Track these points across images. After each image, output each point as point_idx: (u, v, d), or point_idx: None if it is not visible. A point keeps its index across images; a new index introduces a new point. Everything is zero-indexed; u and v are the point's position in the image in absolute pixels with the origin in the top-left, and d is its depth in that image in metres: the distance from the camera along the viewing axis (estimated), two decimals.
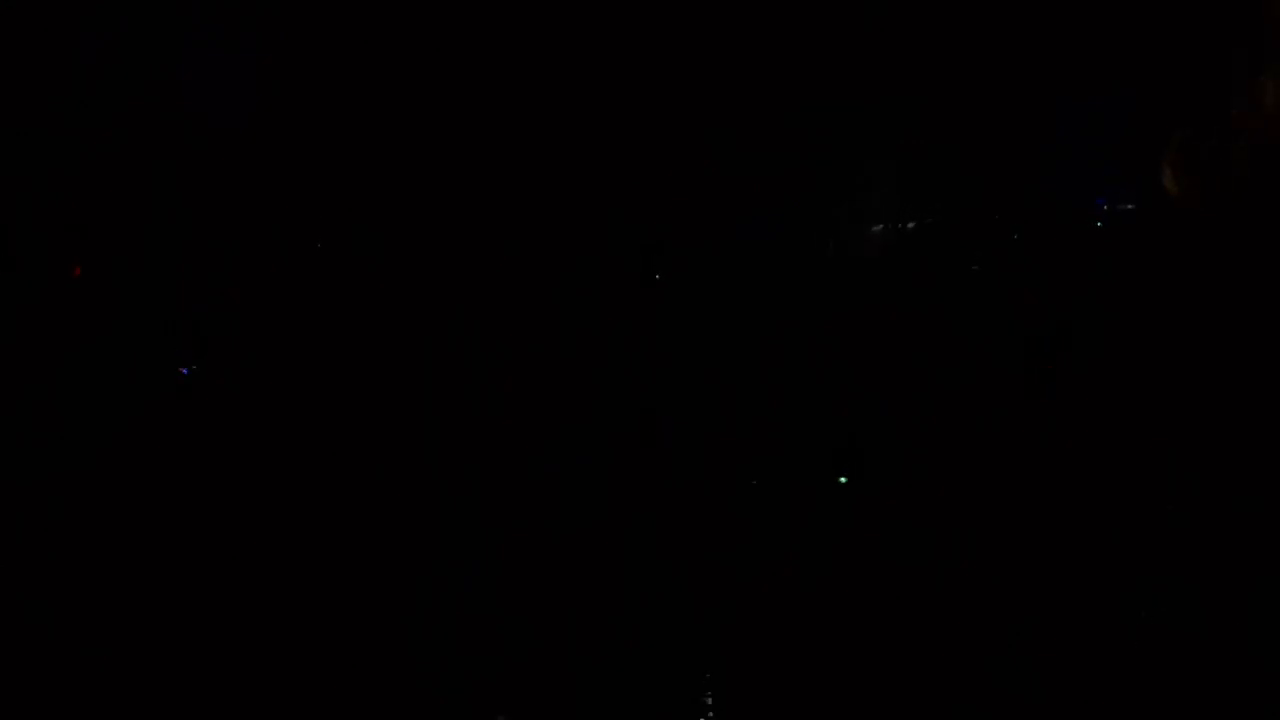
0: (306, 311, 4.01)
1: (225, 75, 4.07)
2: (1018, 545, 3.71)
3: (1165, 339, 3.88)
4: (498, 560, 3.74)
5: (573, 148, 4.12)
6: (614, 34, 4.12)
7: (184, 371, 3.85)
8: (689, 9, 4.12)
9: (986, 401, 3.92)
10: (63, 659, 3.57)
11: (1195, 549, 3.62)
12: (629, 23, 4.12)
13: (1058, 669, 3.53)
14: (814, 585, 3.72)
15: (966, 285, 4.07)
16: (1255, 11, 3.88)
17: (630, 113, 4.13)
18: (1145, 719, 3.45)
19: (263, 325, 3.99)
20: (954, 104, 4.11)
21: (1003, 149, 4.11)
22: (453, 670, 3.62)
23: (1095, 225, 4.07)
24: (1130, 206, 4.06)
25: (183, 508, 3.76)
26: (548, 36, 4.12)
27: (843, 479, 3.85)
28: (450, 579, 3.72)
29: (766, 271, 4.09)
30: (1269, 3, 3.88)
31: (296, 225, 4.06)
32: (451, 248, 4.07)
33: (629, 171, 4.12)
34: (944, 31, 4.10)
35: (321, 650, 3.62)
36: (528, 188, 4.11)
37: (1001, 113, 4.11)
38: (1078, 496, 3.75)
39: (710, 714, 3.60)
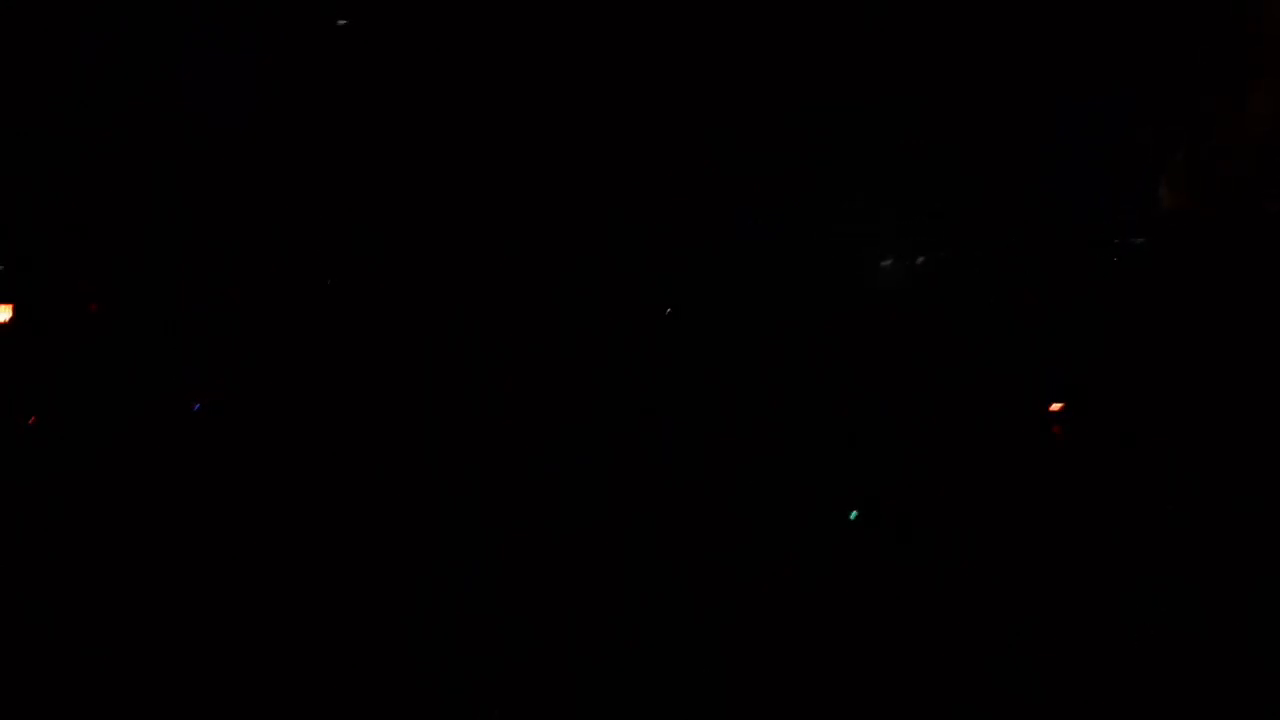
0: (306, 311, 4.01)
1: (225, 75, 4.07)
2: (1018, 545, 3.71)
3: (1165, 340, 3.88)
4: (498, 559, 3.74)
5: (573, 149, 4.13)
6: (614, 35, 4.13)
7: (195, 408, 3.86)
8: (690, 10, 4.13)
9: (986, 402, 3.93)
10: (63, 659, 3.57)
11: (1195, 549, 3.62)
12: (629, 24, 4.13)
13: (1058, 669, 3.53)
14: (814, 585, 3.72)
15: (967, 286, 4.07)
16: (1251, 19, 3.89)
17: (630, 114, 4.13)
18: (1145, 719, 3.45)
19: (262, 325, 3.99)
20: (954, 106, 4.12)
21: (1003, 151, 4.12)
22: (453, 670, 3.62)
23: (1095, 227, 4.08)
24: (1129, 211, 4.07)
25: (184, 505, 3.77)
26: (547, 37, 4.12)
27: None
28: (450, 578, 3.72)
29: (765, 273, 4.09)
30: (1266, 11, 3.89)
31: (296, 225, 4.06)
32: (451, 248, 4.07)
33: (629, 173, 4.12)
34: (945, 34, 4.11)
35: (322, 649, 3.62)
36: (527, 188, 4.11)
37: (1002, 115, 4.11)
38: (1078, 497, 3.75)
39: (709, 713, 3.59)
